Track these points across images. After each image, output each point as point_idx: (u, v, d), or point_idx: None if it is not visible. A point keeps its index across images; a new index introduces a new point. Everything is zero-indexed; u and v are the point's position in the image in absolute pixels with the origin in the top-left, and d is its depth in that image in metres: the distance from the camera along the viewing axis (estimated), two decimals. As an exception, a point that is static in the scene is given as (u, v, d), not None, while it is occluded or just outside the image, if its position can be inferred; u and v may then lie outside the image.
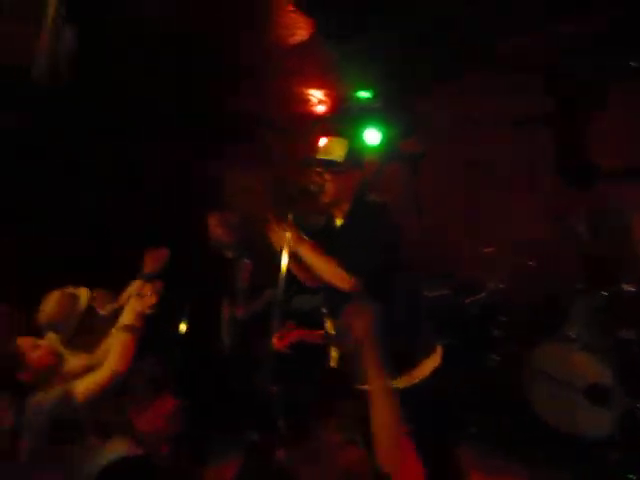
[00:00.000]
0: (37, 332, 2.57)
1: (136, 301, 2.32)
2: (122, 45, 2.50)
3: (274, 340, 2.38)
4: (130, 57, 2.72)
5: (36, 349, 2.12)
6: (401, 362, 2.30)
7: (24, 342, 2.13)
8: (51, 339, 2.54)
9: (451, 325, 4.30)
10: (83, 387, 2.08)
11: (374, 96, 4.55)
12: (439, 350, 2.42)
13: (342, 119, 4.85)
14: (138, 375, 2.08)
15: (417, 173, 5.21)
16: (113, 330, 2.34)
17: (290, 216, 2.57)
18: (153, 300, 2.34)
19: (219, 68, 3.40)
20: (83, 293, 2.62)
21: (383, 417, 1.48)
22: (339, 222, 2.51)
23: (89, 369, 2.41)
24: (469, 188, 4.81)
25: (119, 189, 4.65)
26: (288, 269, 2.54)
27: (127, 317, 2.30)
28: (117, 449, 1.86)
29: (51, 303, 2.56)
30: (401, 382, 2.27)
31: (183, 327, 3.69)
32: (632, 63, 3.73)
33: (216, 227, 3.89)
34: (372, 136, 4.84)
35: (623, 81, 3.96)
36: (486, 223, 4.67)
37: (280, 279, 2.53)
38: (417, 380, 2.31)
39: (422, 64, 3.51)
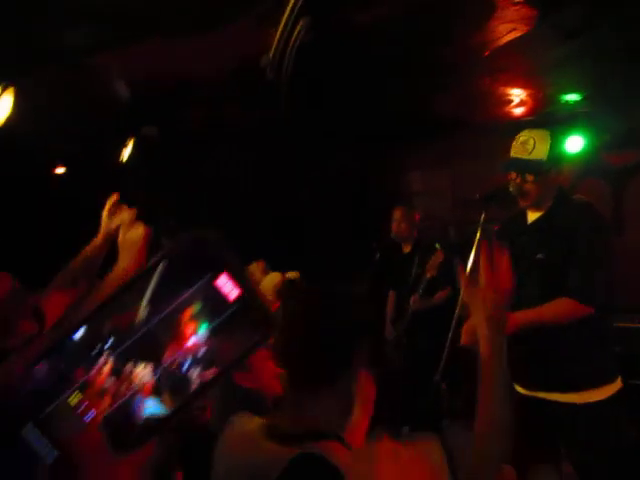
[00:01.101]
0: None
1: None
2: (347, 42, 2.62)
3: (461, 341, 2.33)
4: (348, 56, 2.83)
5: None
6: (581, 376, 2.16)
7: None
8: None
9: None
10: None
11: (584, 100, 4.17)
12: (618, 382, 2.21)
13: (544, 123, 4.54)
14: None
15: (623, 188, 4.67)
16: None
17: (482, 216, 2.52)
18: None
19: (421, 64, 3.40)
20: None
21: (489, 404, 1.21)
22: (533, 216, 2.38)
23: None
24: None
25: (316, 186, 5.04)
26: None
27: None
28: None
29: (270, 284, 2.85)
30: (575, 398, 2.15)
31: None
32: None
33: (400, 222, 3.99)
34: (574, 143, 4.45)
35: None
36: None
37: (462, 281, 2.49)
38: (592, 401, 2.15)
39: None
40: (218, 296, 0.52)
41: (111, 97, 3.27)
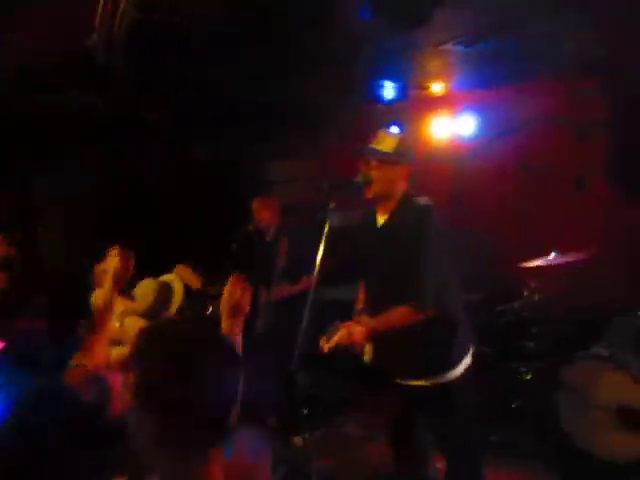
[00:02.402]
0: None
1: None
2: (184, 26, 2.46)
3: (321, 342, 2.36)
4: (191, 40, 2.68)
5: None
6: (441, 361, 2.35)
7: None
8: None
9: (480, 332, 4.21)
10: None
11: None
12: (467, 359, 2.44)
13: (408, 109, 4.80)
14: None
15: (462, 171, 5.13)
16: None
17: (332, 205, 2.55)
18: None
19: (284, 51, 3.34)
20: (177, 283, 2.66)
21: None
22: (381, 220, 2.48)
23: None
24: (518, 191, 4.67)
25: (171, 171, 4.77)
26: (323, 260, 2.52)
27: None
28: None
29: (148, 294, 2.61)
30: (438, 380, 2.34)
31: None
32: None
33: (261, 210, 3.95)
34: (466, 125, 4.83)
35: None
36: (530, 229, 4.53)
37: (315, 270, 2.51)
38: (453, 378, 2.36)
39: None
40: None
41: None
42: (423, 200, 2.42)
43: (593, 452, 3.29)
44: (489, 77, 4.24)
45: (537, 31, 3.11)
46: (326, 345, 2.26)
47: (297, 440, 3.04)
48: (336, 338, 2.26)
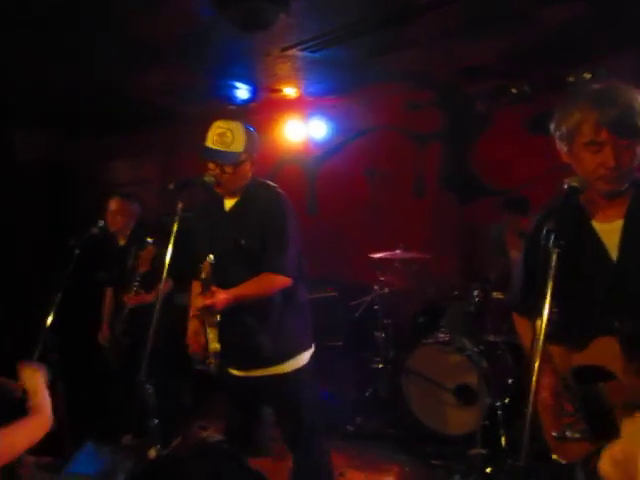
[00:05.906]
0: None
1: None
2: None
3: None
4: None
5: None
6: (287, 350, 2.42)
7: None
8: None
9: (336, 326, 4.41)
10: None
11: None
12: (313, 346, 2.54)
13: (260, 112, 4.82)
14: None
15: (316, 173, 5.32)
16: None
17: (180, 205, 2.48)
18: None
19: (122, 48, 3.17)
20: None
21: None
22: (229, 204, 2.49)
23: None
24: (366, 193, 4.96)
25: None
26: (171, 263, 2.44)
27: None
28: None
29: None
30: (283, 369, 2.40)
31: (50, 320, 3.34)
32: (514, 90, 4.06)
33: (116, 213, 3.68)
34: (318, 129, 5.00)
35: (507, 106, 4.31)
36: (379, 228, 4.83)
37: (163, 274, 2.42)
38: (298, 367, 2.43)
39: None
40: None
41: None
42: (269, 184, 2.51)
43: (437, 428, 3.60)
44: (336, 84, 4.43)
45: (369, 41, 3.31)
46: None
47: (151, 452, 2.89)
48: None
